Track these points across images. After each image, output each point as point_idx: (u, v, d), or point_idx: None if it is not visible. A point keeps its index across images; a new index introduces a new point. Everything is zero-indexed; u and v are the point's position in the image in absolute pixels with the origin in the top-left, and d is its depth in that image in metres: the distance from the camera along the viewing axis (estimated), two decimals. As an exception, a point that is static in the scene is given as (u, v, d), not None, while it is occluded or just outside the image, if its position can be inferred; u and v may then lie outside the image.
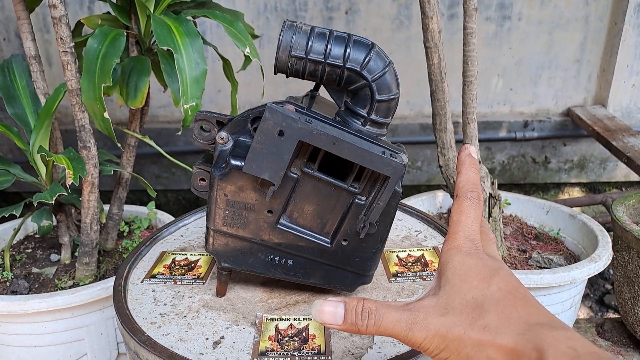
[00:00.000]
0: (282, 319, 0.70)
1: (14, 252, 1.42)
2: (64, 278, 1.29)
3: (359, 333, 0.47)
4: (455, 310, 0.44)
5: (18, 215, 1.23)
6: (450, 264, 0.46)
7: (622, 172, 2.27)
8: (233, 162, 0.63)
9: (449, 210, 1.74)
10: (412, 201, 1.68)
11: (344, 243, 0.68)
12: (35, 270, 1.33)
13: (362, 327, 0.46)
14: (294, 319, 0.70)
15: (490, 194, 1.43)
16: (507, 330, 0.41)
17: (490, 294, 0.43)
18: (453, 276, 0.45)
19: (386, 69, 0.62)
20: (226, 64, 1.31)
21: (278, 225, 0.67)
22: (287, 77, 0.65)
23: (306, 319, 0.70)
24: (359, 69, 0.61)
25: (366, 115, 0.63)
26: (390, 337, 0.46)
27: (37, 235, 1.52)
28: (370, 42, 0.63)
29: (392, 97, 0.64)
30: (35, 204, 1.14)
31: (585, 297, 2.06)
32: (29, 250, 1.43)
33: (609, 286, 2.11)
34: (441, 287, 0.46)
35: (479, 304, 0.43)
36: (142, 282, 0.79)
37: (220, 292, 0.75)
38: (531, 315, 0.41)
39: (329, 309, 0.47)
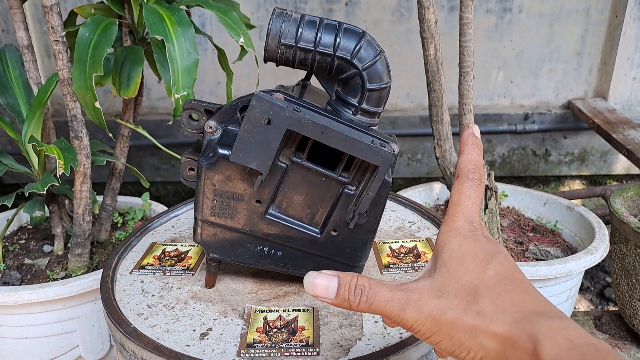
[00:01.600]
0: (271, 311, 0.69)
1: (7, 243, 1.41)
2: (56, 269, 1.29)
3: (350, 309, 0.46)
4: (450, 294, 0.43)
5: (10, 206, 1.22)
6: (448, 246, 0.45)
7: (622, 165, 2.26)
8: (220, 151, 0.62)
9: (446, 202, 1.73)
10: (409, 192, 1.67)
11: (334, 233, 0.67)
12: (27, 261, 1.33)
13: (354, 303, 0.45)
14: (283, 311, 0.69)
15: (486, 186, 1.41)
16: (502, 317, 0.40)
17: (486, 279, 0.42)
18: (450, 259, 0.44)
19: (377, 58, 0.61)
20: (221, 54, 1.30)
21: (267, 216, 0.66)
22: (277, 65, 0.64)
23: (295, 310, 0.69)
24: (349, 58, 0.60)
25: (357, 104, 0.62)
26: (382, 315, 0.45)
27: (30, 227, 1.51)
28: (361, 31, 0.62)
29: (383, 86, 0.62)
30: (27, 195, 1.13)
31: (586, 290, 2.05)
32: (22, 241, 1.43)
33: (609, 279, 2.10)
34: (437, 269, 0.45)
35: (474, 289, 0.42)
36: (130, 273, 0.78)
37: (209, 284, 0.75)
38: (527, 303, 0.41)
39: (323, 282, 0.47)
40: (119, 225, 1.51)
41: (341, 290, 0.46)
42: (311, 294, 0.47)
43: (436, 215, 0.93)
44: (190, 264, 0.80)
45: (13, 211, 1.40)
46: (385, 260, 0.81)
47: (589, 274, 2.11)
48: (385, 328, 0.66)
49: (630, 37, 2.07)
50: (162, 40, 1.01)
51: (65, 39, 1.09)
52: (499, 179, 2.23)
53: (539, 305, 0.41)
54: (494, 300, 0.41)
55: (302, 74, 0.69)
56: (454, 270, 0.44)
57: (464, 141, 0.52)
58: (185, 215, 0.98)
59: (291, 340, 0.64)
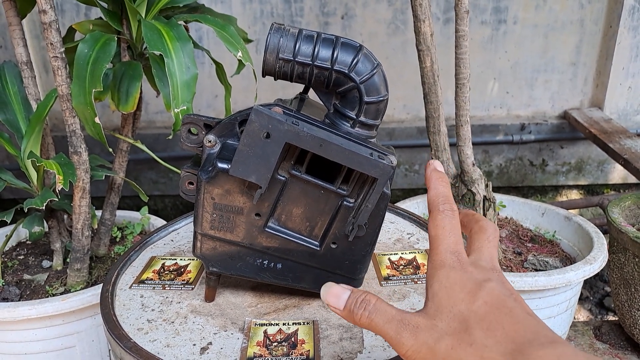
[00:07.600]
0: (271, 324, 0.69)
1: (5, 259, 1.41)
2: (55, 284, 1.28)
3: (354, 322, 0.48)
4: (443, 323, 0.44)
5: (9, 222, 1.22)
6: (436, 277, 0.47)
7: (619, 174, 2.27)
8: (220, 164, 0.63)
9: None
10: (407, 204, 1.68)
11: (333, 246, 0.67)
12: (26, 276, 1.33)
13: (357, 316, 0.47)
14: (283, 324, 0.69)
15: (484, 197, 1.42)
16: (494, 348, 0.40)
17: (476, 309, 0.43)
18: (440, 289, 0.46)
19: (374, 71, 0.62)
20: (219, 68, 1.31)
21: (266, 229, 0.66)
22: (275, 79, 0.65)
23: (296, 323, 0.69)
24: (347, 71, 0.61)
25: (355, 117, 0.63)
26: (380, 335, 0.46)
27: (29, 242, 1.51)
28: (358, 44, 0.62)
29: (380, 98, 0.63)
30: (26, 210, 1.13)
31: (585, 299, 2.05)
32: (21, 257, 1.42)
33: (608, 289, 2.10)
34: (429, 300, 0.46)
35: (464, 319, 0.43)
36: (130, 287, 0.78)
37: (209, 297, 0.74)
38: (518, 332, 0.41)
39: (336, 291, 0.50)
40: (117, 239, 1.51)
41: (349, 302, 0.48)
42: (324, 302, 0.51)
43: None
44: (190, 278, 0.80)
45: (12, 227, 1.40)
46: (385, 272, 0.81)
47: (588, 283, 2.11)
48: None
49: (625, 47, 2.08)
50: (161, 55, 1.02)
51: (64, 55, 1.10)
52: (496, 189, 2.23)
53: (531, 332, 0.41)
54: (484, 331, 0.42)
55: (300, 87, 0.70)
56: (445, 300, 0.45)
57: (428, 178, 0.55)
58: (184, 229, 0.98)
59: (291, 354, 0.64)
